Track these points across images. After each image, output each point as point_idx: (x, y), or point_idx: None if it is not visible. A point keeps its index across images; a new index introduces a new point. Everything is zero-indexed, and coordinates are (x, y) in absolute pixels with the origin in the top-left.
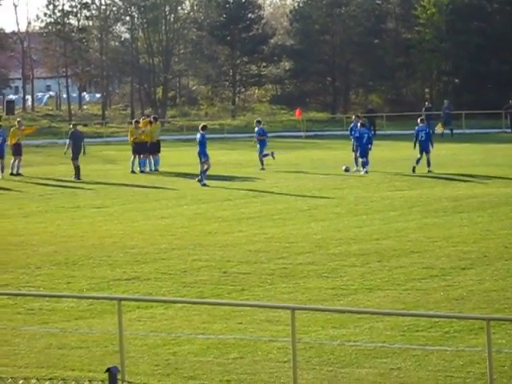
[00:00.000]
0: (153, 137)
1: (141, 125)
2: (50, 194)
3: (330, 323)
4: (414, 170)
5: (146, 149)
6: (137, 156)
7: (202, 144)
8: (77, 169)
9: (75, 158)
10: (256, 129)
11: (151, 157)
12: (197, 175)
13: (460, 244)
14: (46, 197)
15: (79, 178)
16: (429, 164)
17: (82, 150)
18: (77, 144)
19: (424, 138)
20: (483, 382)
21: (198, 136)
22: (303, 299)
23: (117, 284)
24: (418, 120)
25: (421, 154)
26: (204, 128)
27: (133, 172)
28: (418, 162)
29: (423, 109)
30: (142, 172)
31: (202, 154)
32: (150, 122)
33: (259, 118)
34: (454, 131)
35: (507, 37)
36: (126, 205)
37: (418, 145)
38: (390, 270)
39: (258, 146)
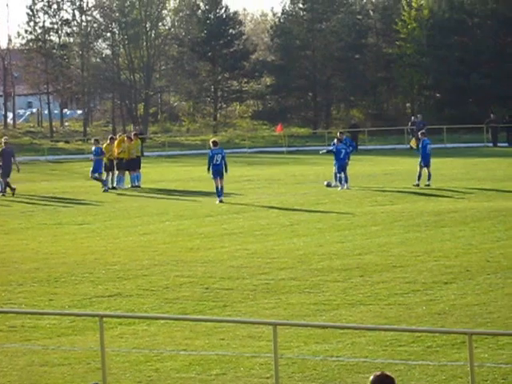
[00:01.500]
0: (131, 153)
1: (116, 142)
2: (32, 210)
3: (313, 338)
4: (418, 185)
5: (122, 165)
6: (110, 173)
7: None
8: (6, 184)
9: (5, 175)
10: (93, 147)
11: (128, 173)
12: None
13: (442, 258)
14: (27, 214)
15: (3, 193)
16: (429, 177)
17: (16, 167)
18: (6, 161)
19: (429, 151)
20: None
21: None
22: (285, 315)
23: (99, 301)
24: (420, 134)
25: (426, 167)
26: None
27: (113, 188)
28: (421, 177)
29: (409, 123)
30: (113, 188)
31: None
32: (130, 139)
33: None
34: (435, 146)
35: (488, 51)
36: (108, 221)
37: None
38: (372, 284)
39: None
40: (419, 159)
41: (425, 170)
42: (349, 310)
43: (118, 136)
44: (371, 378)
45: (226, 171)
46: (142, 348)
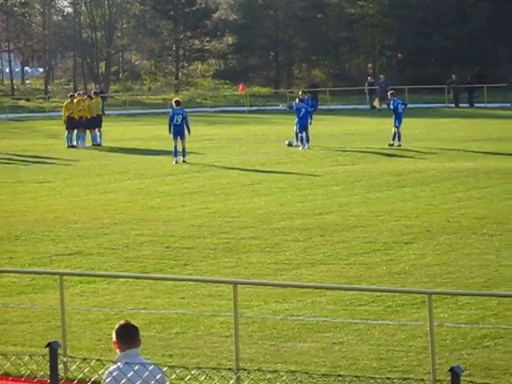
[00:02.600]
0: (92, 112)
1: (75, 101)
2: None
3: (273, 298)
4: (392, 145)
5: (83, 124)
6: (72, 131)
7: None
8: None
9: None
10: None
11: (90, 132)
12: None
13: (403, 218)
14: None
15: None
16: (399, 137)
17: None
18: None
19: (401, 111)
20: (425, 356)
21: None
22: (246, 274)
23: (59, 259)
24: (389, 94)
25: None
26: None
27: (72, 146)
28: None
29: (366, 84)
30: (73, 147)
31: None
32: (90, 97)
33: None
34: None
35: (450, 12)
36: (69, 180)
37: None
38: (333, 244)
39: None
40: (392, 119)
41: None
42: (309, 270)
43: (77, 94)
44: (116, 327)
45: (189, 132)
46: (102, 306)
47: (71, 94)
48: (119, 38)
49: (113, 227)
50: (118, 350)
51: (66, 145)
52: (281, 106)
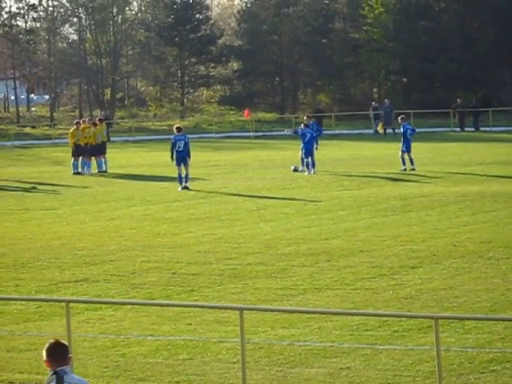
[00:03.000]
0: (96, 138)
1: (81, 128)
2: None
3: (279, 323)
4: (405, 169)
5: (88, 150)
6: (78, 158)
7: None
8: None
9: None
10: None
11: (95, 158)
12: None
13: (409, 243)
14: None
15: None
16: (412, 162)
17: None
18: None
19: (410, 136)
20: (432, 381)
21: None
22: (252, 299)
23: (65, 286)
24: (399, 119)
25: (407, 152)
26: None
27: (78, 173)
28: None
29: (370, 108)
30: (78, 174)
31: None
32: (95, 124)
33: None
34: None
35: (454, 36)
36: (75, 206)
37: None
38: (339, 269)
39: None
40: (400, 144)
41: (406, 155)
42: (315, 295)
43: (82, 121)
44: (46, 346)
45: (189, 157)
46: (108, 333)
47: (77, 121)
48: (124, 65)
49: (119, 254)
50: (49, 370)
51: (72, 172)
52: (286, 132)
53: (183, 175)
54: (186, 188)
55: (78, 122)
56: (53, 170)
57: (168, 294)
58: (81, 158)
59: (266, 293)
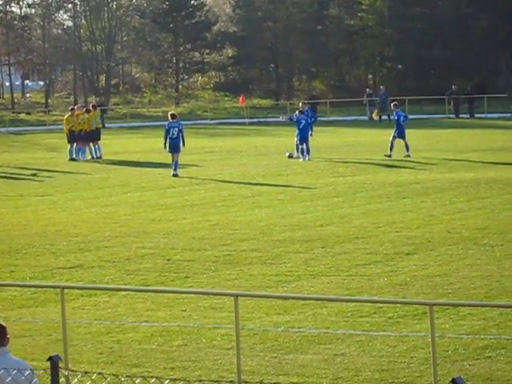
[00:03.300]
0: (91, 125)
1: (75, 114)
2: None
3: (274, 310)
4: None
5: (82, 137)
6: (73, 144)
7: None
8: None
9: None
10: None
11: (91, 144)
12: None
13: (403, 229)
14: None
15: None
16: (408, 148)
17: None
18: None
19: (403, 122)
20: (427, 367)
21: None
22: (247, 286)
23: (60, 272)
24: (392, 105)
25: (401, 138)
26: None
27: (73, 160)
28: (393, 148)
29: (364, 95)
30: (73, 160)
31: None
32: (89, 111)
33: None
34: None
35: (450, 22)
36: (70, 193)
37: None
38: (334, 255)
39: None
40: (393, 130)
41: (400, 141)
42: (310, 281)
43: (76, 107)
44: None
45: (184, 145)
46: (103, 319)
47: (71, 107)
48: (119, 51)
49: (114, 240)
50: None
51: (68, 158)
52: (281, 118)
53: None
54: (175, 175)
55: (72, 109)
56: (47, 156)
57: (163, 281)
58: (75, 145)
59: (260, 279)
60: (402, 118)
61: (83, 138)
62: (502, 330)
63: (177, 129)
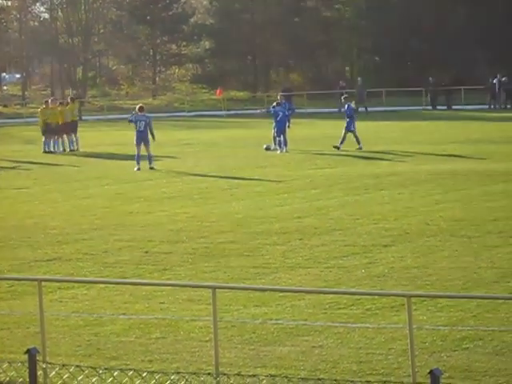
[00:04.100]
0: (65, 117)
1: (50, 107)
2: None
3: (252, 302)
4: (338, 148)
5: (58, 129)
6: (49, 136)
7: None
8: None
9: None
10: None
11: (66, 137)
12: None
13: (381, 221)
14: None
15: None
16: (358, 141)
17: None
18: None
19: (352, 114)
20: (405, 359)
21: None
22: (225, 278)
23: (38, 265)
24: (342, 98)
25: (350, 131)
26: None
27: (49, 152)
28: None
29: (338, 87)
30: (49, 152)
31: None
32: (66, 103)
33: None
34: (374, 109)
35: (427, 14)
36: (47, 185)
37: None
38: (312, 247)
39: None
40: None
41: (350, 135)
42: (288, 273)
43: (50, 100)
44: None
45: (154, 138)
46: (81, 312)
47: (46, 99)
48: (96, 43)
49: (91, 233)
50: None
51: (42, 150)
52: (259, 111)
53: (146, 154)
54: (152, 168)
55: (46, 101)
56: (25, 148)
57: (140, 273)
58: (51, 137)
59: (238, 271)
60: (349, 112)
61: (59, 130)
62: (479, 321)
63: (143, 122)
